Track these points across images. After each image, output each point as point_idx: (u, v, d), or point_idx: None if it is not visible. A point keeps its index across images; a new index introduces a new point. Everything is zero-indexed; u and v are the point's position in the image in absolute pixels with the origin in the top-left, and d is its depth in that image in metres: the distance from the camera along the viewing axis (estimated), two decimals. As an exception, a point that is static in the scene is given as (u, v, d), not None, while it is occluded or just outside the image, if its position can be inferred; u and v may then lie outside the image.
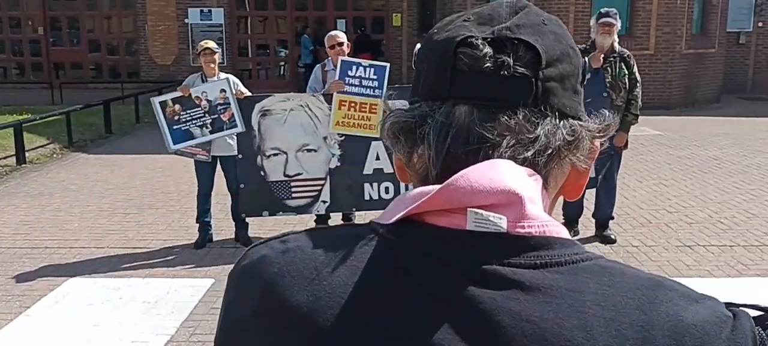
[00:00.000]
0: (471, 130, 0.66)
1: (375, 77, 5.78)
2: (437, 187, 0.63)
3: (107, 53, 20.17)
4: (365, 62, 5.90)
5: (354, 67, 5.79)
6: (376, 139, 5.87)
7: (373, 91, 5.78)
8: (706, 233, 6.20)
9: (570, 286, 0.62)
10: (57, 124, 11.46)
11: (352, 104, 5.78)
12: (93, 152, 10.67)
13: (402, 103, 0.74)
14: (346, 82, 5.75)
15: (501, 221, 0.62)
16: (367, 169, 5.94)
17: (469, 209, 0.63)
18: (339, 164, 5.91)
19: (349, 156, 5.89)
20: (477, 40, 0.66)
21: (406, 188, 0.77)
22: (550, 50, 0.68)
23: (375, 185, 5.96)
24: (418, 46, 0.84)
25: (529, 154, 0.66)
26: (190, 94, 5.72)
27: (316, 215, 6.20)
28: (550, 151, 0.67)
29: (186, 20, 18.52)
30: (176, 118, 5.72)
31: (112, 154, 10.41)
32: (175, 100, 5.76)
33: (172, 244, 6.07)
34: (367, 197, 5.99)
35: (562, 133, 0.67)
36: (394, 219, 0.66)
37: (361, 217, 6.45)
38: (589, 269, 0.64)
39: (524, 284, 0.61)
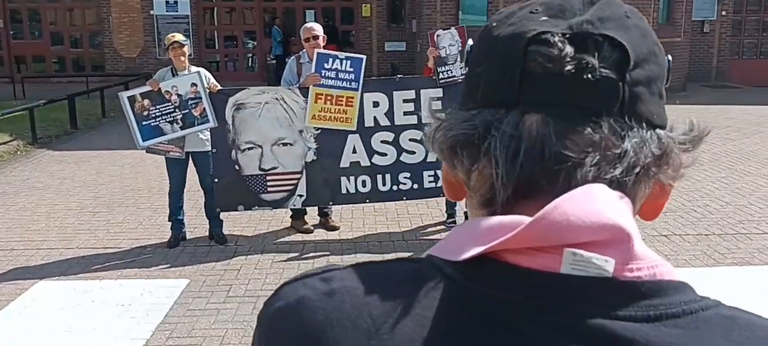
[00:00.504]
0: (546, 144, 0.55)
1: (351, 70, 5.70)
2: (523, 219, 0.53)
3: (70, 46, 19.66)
4: (341, 55, 5.81)
5: (330, 60, 5.70)
6: (352, 132, 5.80)
7: (350, 84, 5.70)
8: (681, 222, 6.26)
9: (694, 345, 0.52)
10: (20, 120, 11.11)
11: (329, 97, 5.70)
12: (58, 149, 10.37)
13: (437, 104, 0.65)
14: (323, 75, 5.66)
15: (607, 264, 0.52)
16: (344, 163, 5.87)
17: (566, 249, 0.52)
18: (315, 158, 5.84)
19: (325, 149, 5.82)
20: (554, 36, 0.56)
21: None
22: (637, 48, 0.57)
23: (352, 178, 5.90)
24: (471, 42, 0.71)
25: (617, 172, 0.56)
26: (159, 89, 5.55)
27: (292, 209, 6.11)
28: (638, 169, 0.57)
29: (151, 11, 18.15)
30: (145, 113, 5.55)
31: (79, 151, 10.13)
32: (143, 95, 5.59)
33: (144, 243, 5.91)
34: (343, 191, 5.93)
35: (650, 147, 0.57)
36: (466, 256, 0.55)
37: (338, 211, 6.39)
38: (712, 321, 0.54)
39: (639, 342, 0.51)
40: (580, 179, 0.56)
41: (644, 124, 0.58)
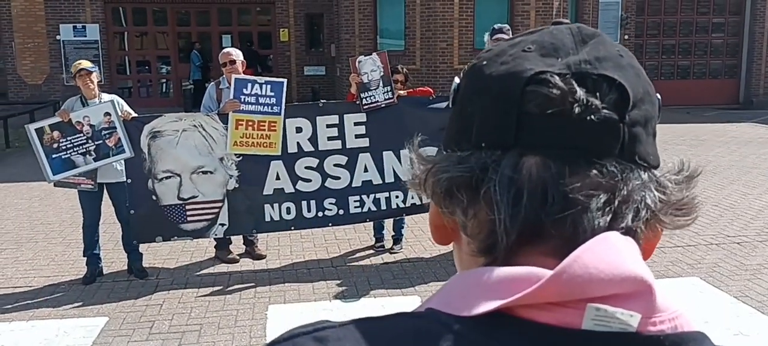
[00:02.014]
0: (549, 188, 0.53)
1: (272, 94, 5.62)
2: (539, 272, 0.51)
3: (-31, 73, 18.60)
4: (261, 79, 5.73)
5: (249, 85, 5.60)
6: (275, 158, 5.71)
7: (272, 109, 5.61)
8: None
9: None
10: None
11: (250, 123, 5.59)
12: (-43, 182, 9.74)
13: (431, 151, 0.62)
14: (242, 100, 5.55)
15: (632, 319, 0.49)
16: (267, 190, 5.75)
17: (588, 304, 0.50)
18: (237, 185, 5.69)
19: (247, 176, 5.68)
20: (553, 77, 0.55)
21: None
22: (634, 89, 0.57)
23: (276, 205, 5.78)
24: (457, 80, 0.67)
25: (629, 220, 0.54)
26: (69, 120, 5.30)
27: (215, 238, 5.95)
28: (644, 214, 0.55)
29: (58, 36, 17.44)
30: (55, 146, 5.29)
31: (-20, 184, 9.55)
32: (53, 127, 5.32)
33: (57, 281, 5.60)
34: (267, 219, 5.79)
35: (652, 189, 0.56)
36: (479, 312, 0.51)
37: (264, 239, 6.28)
38: None
39: None
40: (587, 224, 0.54)
41: (642, 165, 0.57)
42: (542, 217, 0.54)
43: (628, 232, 0.55)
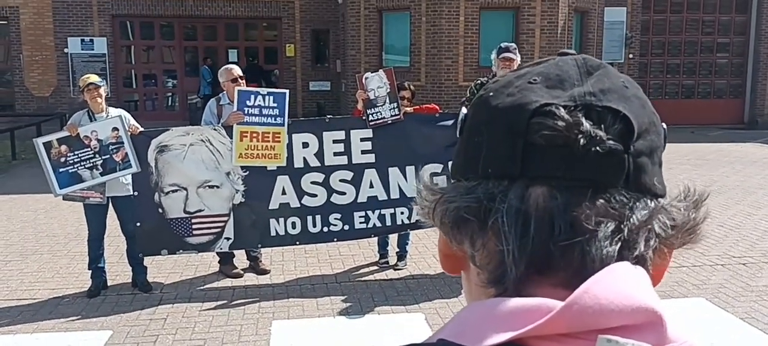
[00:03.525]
0: (556, 218, 0.54)
1: (275, 105, 5.62)
2: (550, 303, 0.51)
3: (-24, 84, 18.71)
4: (263, 90, 5.73)
5: (252, 97, 5.61)
6: (282, 173, 5.72)
7: (275, 119, 5.61)
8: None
9: None
10: None
11: (254, 135, 5.58)
12: (-37, 193, 9.78)
13: (438, 180, 0.63)
14: (246, 112, 5.56)
15: None
16: (273, 205, 5.75)
17: (600, 335, 0.50)
18: (243, 200, 5.69)
19: (253, 191, 5.69)
20: (559, 109, 0.56)
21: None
22: (639, 119, 0.58)
23: (281, 220, 5.77)
24: (464, 110, 0.69)
25: (639, 249, 0.55)
26: (77, 134, 5.33)
27: (220, 253, 5.96)
28: (653, 242, 0.57)
29: (65, 50, 17.55)
30: (62, 160, 5.31)
31: (-14, 195, 9.58)
32: (60, 141, 5.34)
33: (61, 293, 5.61)
34: (273, 233, 5.79)
35: (660, 217, 0.57)
36: (491, 344, 0.51)
37: (268, 253, 6.28)
38: None
39: None
40: (596, 253, 0.55)
41: (648, 194, 0.58)
42: (550, 246, 0.55)
43: (637, 261, 0.56)
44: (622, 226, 0.55)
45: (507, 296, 0.55)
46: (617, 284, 0.52)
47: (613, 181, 0.56)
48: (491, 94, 0.62)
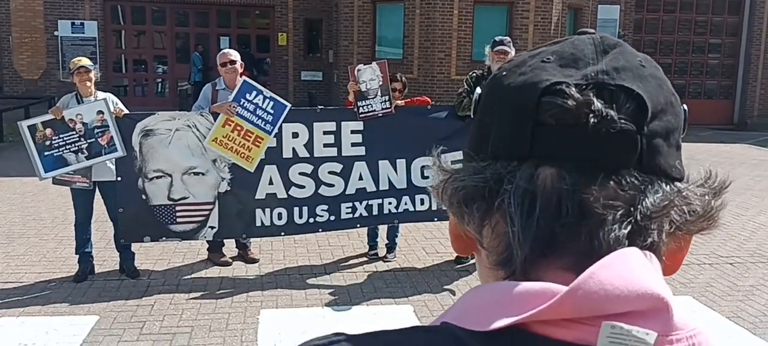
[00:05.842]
0: (563, 200, 0.53)
1: (272, 112, 5.54)
2: (555, 288, 0.50)
3: (-36, 65, 18.52)
4: (268, 93, 5.65)
5: (254, 93, 5.54)
6: (270, 163, 5.64)
7: (265, 125, 5.53)
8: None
9: None
10: None
11: (238, 128, 5.50)
12: (-51, 175, 9.69)
13: (450, 156, 0.62)
14: (241, 103, 5.51)
15: (648, 337, 0.48)
16: (260, 195, 5.68)
17: (604, 321, 0.49)
18: (229, 189, 5.61)
19: (239, 180, 5.61)
20: (569, 87, 0.54)
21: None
22: (654, 99, 0.56)
23: (267, 210, 5.70)
24: (479, 91, 0.66)
25: (651, 235, 0.54)
26: (62, 117, 5.27)
27: (207, 241, 5.92)
28: (667, 227, 0.55)
29: (56, 32, 17.39)
30: (48, 143, 5.25)
31: (-27, 177, 9.49)
32: (45, 124, 5.28)
33: (48, 277, 5.57)
34: (258, 223, 5.71)
35: (674, 201, 0.55)
36: (494, 327, 0.50)
37: (257, 242, 6.26)
38: None
39: None
40: (604, 237, 0.53)
41: (663, 178, 0.56)
42: (556, 229, 0.53)
43: (649, 247, 0.55)
44: (634, 210, 0.54)
45: (515, 278, 0.54)
46: (624, 270, 0.50)
47: (624, 162, 0.54)
48: (504, 73, 0.61)
